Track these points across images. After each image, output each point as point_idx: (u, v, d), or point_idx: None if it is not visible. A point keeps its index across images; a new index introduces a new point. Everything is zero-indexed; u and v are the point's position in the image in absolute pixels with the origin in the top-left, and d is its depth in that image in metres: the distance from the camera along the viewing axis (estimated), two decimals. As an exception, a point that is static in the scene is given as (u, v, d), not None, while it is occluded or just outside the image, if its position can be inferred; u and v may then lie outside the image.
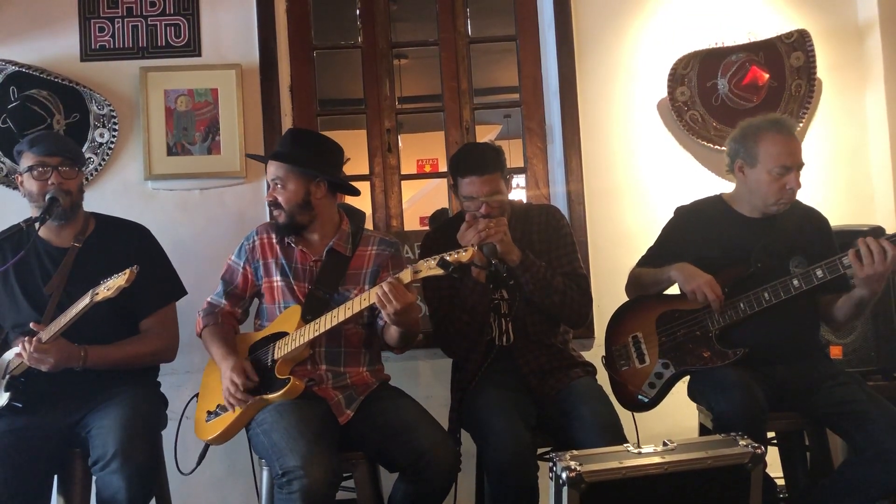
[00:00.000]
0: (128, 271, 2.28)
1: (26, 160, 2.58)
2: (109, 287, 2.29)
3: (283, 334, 2.49)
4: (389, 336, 2.52)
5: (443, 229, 2.85)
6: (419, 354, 3.27)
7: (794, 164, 2.59)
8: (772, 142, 2.61)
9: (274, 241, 2.65)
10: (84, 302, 2.34)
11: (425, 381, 3.32)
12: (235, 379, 2.41)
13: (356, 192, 2.80)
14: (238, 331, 2.70)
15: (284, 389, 2.37)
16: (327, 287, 2.56)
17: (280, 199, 2.56)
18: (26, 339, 2.40)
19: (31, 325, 2.43)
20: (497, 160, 2.65)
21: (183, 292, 2.78)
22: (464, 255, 2.23)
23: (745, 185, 2.69)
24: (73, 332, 2.45)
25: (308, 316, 2.48)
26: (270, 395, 2.39)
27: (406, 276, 2.29)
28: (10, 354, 2.54)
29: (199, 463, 2.56)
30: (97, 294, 2.31)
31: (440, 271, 2.22)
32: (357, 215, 2.75)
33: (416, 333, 2.54)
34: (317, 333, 2.41)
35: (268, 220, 3.25)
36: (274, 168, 2.57)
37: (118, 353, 2.56)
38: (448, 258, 2.21)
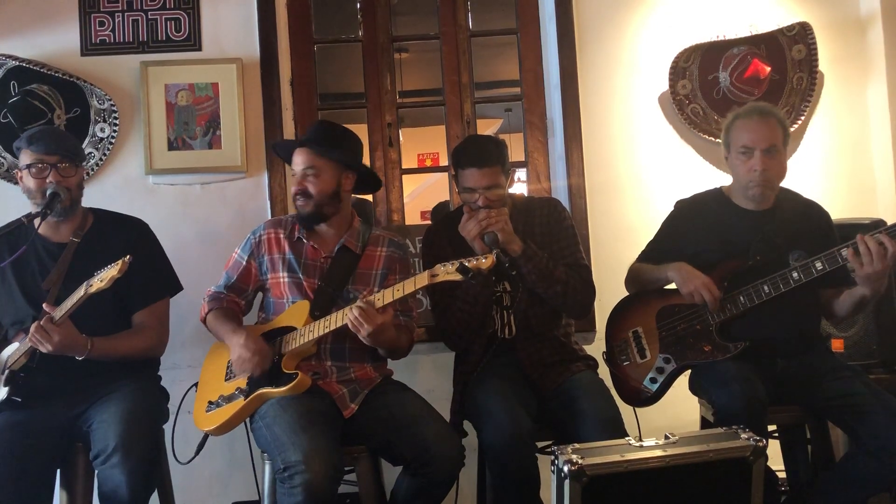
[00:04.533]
0: (120, 262, 2.27)
1: (25, 157, 2.57)
2: (103, 278, 2.28)
3: (289, 329, 2.49)
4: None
5: (443, 223, 2.85)
6: (421, 349, 3.27)
7: (754, 146, 2.57)
8: (740, 126, 2.63)
9: (282, 236, 2.65)
10: (79, 293, 2.34)
11: (427, 374, 3.32)
12: (252, 345, 2.42)
13: (379, 185, 2.85)
14: (241, 321, 2.69)
15: (292, 384, 2.37)
16: (336, 285, 2.56)
17: (311, 188, 2.56)
18: (39, 319, 2.40)
19: (45, 305, 2.42)
20: (498, 154, 2.64)
21: (178, 288, 2.78)
22: (483, 262, 2.21)
23: (732, 174, 2.72)
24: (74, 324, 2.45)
25: (316, 312, 2.48)
26: (277, 389, 2.39)
27: (379, 299, 2.32)
28: (9, 350, 2.54)
29: (197, 452, 2.56)
30: (91, 286, 2.30)
31: (459, 277, 2.21)
32: (367, 208, 2.75)
33: (399, 349, 2.57)
34: (327, 330, 2.41)
35: (269, 215, 3.27)
36: (308, 156, 2.57)
37: (120, 346, 2.57)
38: (468, 264, 2.20)
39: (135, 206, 3.01)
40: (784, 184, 2.72)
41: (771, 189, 2.63)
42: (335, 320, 2.39)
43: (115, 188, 3.28)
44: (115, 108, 3.28)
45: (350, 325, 2.31)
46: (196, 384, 2.66)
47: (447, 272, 2.23)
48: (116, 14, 3.34)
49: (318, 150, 2.57)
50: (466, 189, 2.63)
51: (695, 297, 2.56)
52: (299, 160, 2.59)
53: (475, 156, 2.62)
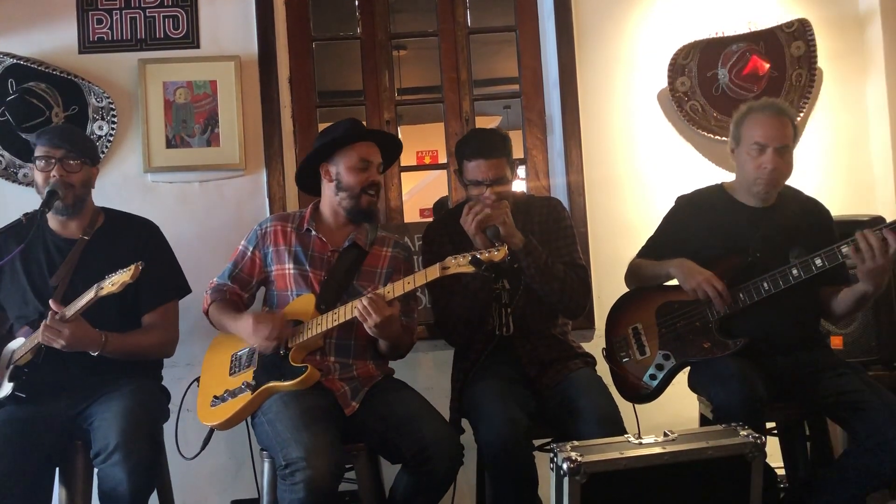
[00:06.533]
0: (132, 267, 2.28)
1: (36, 151, 2.61)
2: (114, 282, 2.29)
3: (296, 322, 2.49)
4: (379, 345, 2.56)
5: (443, 220, 2.85)
6: (421, 346, 3.26)
7: (768, 142, 2.57)
8: (754, 122, 2.62)
9: (289, 228, 2.66)
10: (89, 296, 2.34)
11: (427, 372, 3.32)
12: (266, 322, 2.43)
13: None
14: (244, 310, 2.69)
15: (302, 377, 2.36)
16: (342, 279, 2.57)
17: (380, 183, 2.65)
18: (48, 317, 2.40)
19: (51, 302, 2.43)
20: (504, 145, 2.66)
21: (187, 290, 2.79)
22: (496, 254, 2.23)
23: (737, 168, 2.70)
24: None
25: (322, 305, 2.48)
26: (285, 383, 2.38)
27: (389, 292, 2.33)
28: (14, 344, 2.55)
29: (203, 447, 2.56)
30: (102, 289, 2.31)
31: (471, 269, 2.22)
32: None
33: (401, 346, 2.59)
34: (335, 323, 2.40)
35: (268, 212, 3.27)
36: (378, 152, 2.64)
37: (133, 342, 2.58)
38: (480, 256, 2.22)
39: (133, 204, 3.01)
40: (784, 180, 2.73)
41: (776, 188, 2.64)
42: (343, 313, 2.39)
43: (113, 186, 3.27)
44: (113, 106, 3.27)
45: (358, 315, 2.32)
46: (197, 379, 2.66)
47: (459, 265, 2.25)
48: (114, 12, 3.33)
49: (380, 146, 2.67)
50: (473, 182, 2.63)
51: (699, 294, 2.56)
52: (376, 154, 2.63)
53: (482, 147, 2.62)
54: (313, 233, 2.63)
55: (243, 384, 2.47)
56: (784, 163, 2.60)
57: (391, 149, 2.77)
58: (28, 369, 2.49)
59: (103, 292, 2.31)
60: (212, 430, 2.55)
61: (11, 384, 2.48)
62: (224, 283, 2.68)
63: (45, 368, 2.48)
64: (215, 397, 2.51)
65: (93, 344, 2.46)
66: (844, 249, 2.40)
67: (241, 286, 2.68)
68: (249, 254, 2.68)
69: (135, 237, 2.69)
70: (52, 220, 2.64)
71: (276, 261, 2.63)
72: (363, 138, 2.64)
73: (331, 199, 2.66)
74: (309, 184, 2.76)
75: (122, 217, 2.77)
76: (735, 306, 2.56)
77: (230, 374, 2.55)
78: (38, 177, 2.59)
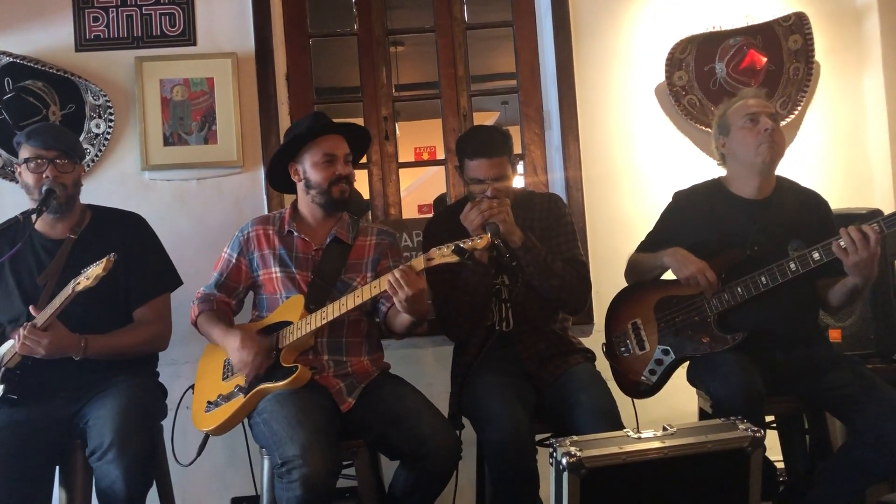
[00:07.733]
0: (104, 260, 2.26)
1: (24, 152, 2.58)
2: (89, 276, 2.28)
3: (286, 323, 2.49)
4: (398, 322, 2.52)
5: (444, 216, 2.86)
6: (421, 342, 3.27)
7: (759, 110, 2.62)
8: (738, 106, 2.69)
9: (271, 232, 2.65)
10: (67, 292, 2.33)
11: (427, 368, 3.32)
12: (250, 346, 2.42)
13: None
14: (233, 321, 2.69)
15: (293, 377, 2.36)
16: (329, 276, 2.56)
17: (352, 176, 2.62)
18: (22, 326, 2.40)
19: (31, 308, 2.43)
20: (505, 144, 2.66)
21: (178, 282, 2.78)
22: (479, 243, 2.23)
23: (733, 159, 2.70)
24: (70, 324, 2.45)
25: (311, 305, 2.48)
26: (277, 384, 2.38)
27: (419, 263, 2.28)
28: (5, 347, 2.53)
29: (199, 454, 2.56)
30: (78, 283, 2.30)
31: (455, 258, 2.22)
32: (362, 202, 2.75)
33: (424, 320, 2.52)
34: (325, 321, 2.40)
35: (265, 209, 3.27)
36: (346, 144, 2.61)
37: (117, 342, 2.56)
38: (463, 245, 2.22)
39: (131, 202, 3.00)
40: (781, 174, 2.72)
41: (779, 153, 2.63)
42: (332, 310, 2.39)
43: (111, 184, 3.27)
44: (110, 104, 3.27)
45: (389, 289, 2.27)
46: (192, 386, 2.66)
47: (443, 255, 2.24)
48: (111, 9, 3.32)
49: (352, 144, 2.63)
50: (475, 180, 2.63)
51: (691, 283, 2.56)
52: (341, 146, 2.59)
53: (484, 146, 2.62)
54: (295, 234, 2.62)
55: (236, 388, 2.47)
56: (780, 127, 2.64)
57: (361, 138, 2.74)
58: (20, 371, 2.49)
59: (80, 287, 2.29)
60: (206, 437, 2.54)
61: (2, 386, 2.47)
62: (211, 292, 2.67)
63: (39, 369, 2.47)
64: (209, 402, 2.52)
65: (72, 349, 2.45)
66: (842, 242, 2.41)
67: (228, 293, 2.67)
68: (234, 261, 2.66)
69: (122, 232, 2.67)
70: (40, 222, 2.59)
71: (263, 265, 2.62)
72: (325, 132, 2.60)
73: (304, 197, 2.65)
74: (283, 183, 2.73)
75: (108, 213, 2.75)
76: (733, 300, 2.56)
77: (223, 379, 2.55)
78: (30, 178, 2.56)
